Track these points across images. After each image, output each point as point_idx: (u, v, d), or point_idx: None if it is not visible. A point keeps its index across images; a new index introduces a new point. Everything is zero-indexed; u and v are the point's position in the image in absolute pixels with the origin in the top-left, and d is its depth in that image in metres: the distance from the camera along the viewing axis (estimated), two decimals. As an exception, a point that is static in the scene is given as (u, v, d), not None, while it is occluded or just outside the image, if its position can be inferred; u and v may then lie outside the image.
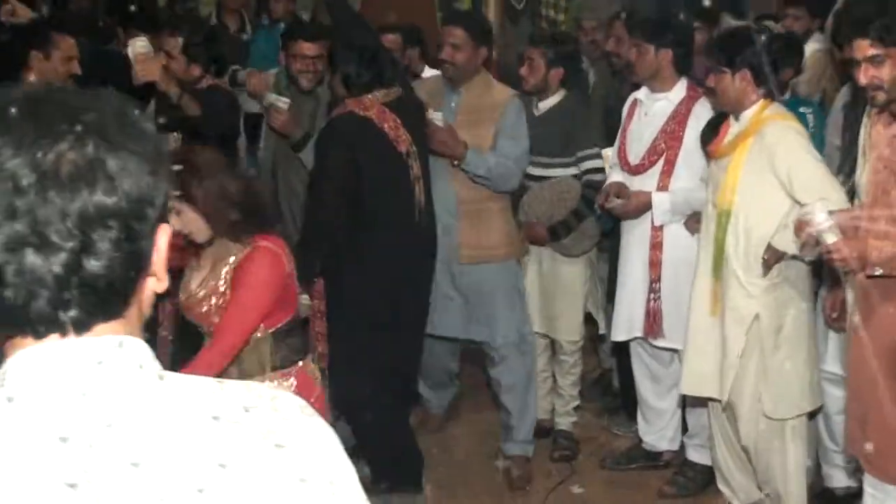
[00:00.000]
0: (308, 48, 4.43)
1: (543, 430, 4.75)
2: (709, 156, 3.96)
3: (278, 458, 1.01)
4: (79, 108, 0.99)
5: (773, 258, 3.68)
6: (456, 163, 4.28)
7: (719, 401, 3.94)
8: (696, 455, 4.50)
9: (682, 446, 4.57)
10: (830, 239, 3.08)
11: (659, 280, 4.31)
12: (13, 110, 0.97)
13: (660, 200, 4.24)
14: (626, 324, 4.42)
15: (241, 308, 2.74)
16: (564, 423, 4.77)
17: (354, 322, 3.85)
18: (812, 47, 4.89)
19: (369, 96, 3.88)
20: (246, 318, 2.74)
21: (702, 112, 4.22)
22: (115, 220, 0.97)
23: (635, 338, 4.46)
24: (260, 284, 2.74)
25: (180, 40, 4.28)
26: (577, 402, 4.86)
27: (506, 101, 4.40)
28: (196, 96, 4.30)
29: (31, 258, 0.95)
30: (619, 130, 4.44)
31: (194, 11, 7.01)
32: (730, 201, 3.77)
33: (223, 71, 4.85)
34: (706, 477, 4.42)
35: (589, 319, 4.88)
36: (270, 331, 2.85)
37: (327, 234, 3.83)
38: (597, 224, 4.54)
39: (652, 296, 4.31)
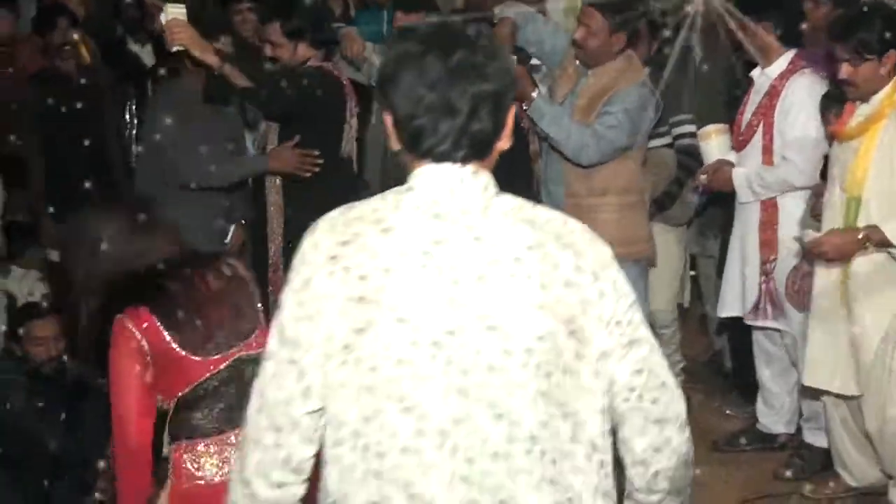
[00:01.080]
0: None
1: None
2: (833, 137, 3.90)
3: (564, 252, 1.66)
4: (469, 35, 1.66)
5: (872, 241, 3.63)
6: (525, 108, 4.24)
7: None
8: (812, 437, 4.48)
9: (799, 429, 4.55)
10: None
11: (773, 261, 4.30)
12: (430, 38, 1.66)
13: (737, 176, 4.28)
14: (733, 301, 4.46)
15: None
16: None
17: None
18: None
19: None
20: (115, 402, 2.49)
21: (797, 86, 4.22)
22: (492, 99, 1.63)
23: (740, 316, 4.47)
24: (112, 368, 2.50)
25: (278, 25, 4.29)
26: (682, 364, 4.94)
27: (624, 88, 4.19)
28: (295, 76, 4.33)
29: (446, 119, 1.62)
30: (740, 107, 4.45)
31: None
32: (860, 187, 3.73)
33: (332, 53, 4.89)
34: (823, 459, 4.39)
35: (698, 298, 4.91)
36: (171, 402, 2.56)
37: None
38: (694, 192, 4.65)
39: (764, 277, 4.30)
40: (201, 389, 2.46)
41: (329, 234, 1.65)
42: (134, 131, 5.71)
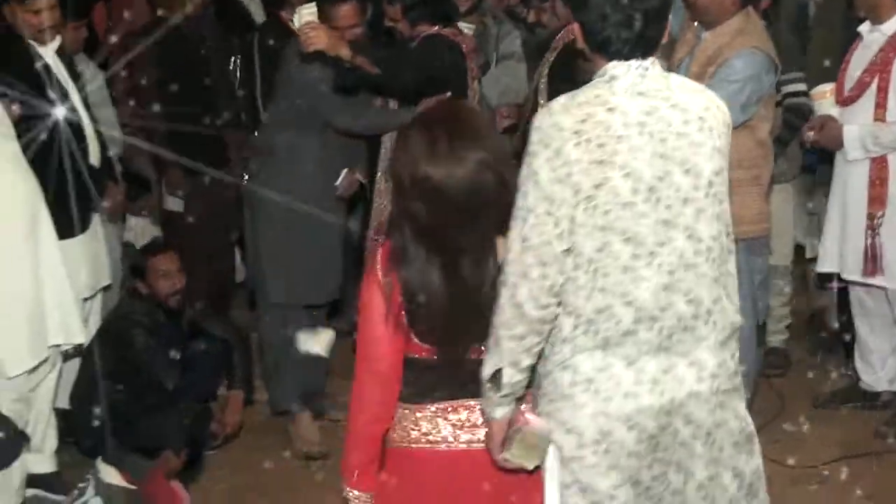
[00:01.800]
0: None
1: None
2: None
3: (720, 111, 2.31)
4: None
5: None
6: None
7: None
8: None
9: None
10: None
11: (880, 217, 4.28)
12: None
13: (849, 133, 4.26)
14: (834, 257, 4.46)
15: None
16: (776, 340, 5.08)
17: None
18: None
19: None
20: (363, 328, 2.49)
21: None
22: (657, 13, 2.22)
23: (840, 273, 4.49)
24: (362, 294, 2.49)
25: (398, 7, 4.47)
26: (788, 321, 5.12)
27: (735, 52, 4.07)
28: (414, 52, 4.45)
29: (626, 30, 2.19)
30: (842, 64, 4.42)
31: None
32: None
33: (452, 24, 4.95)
34: None
35: (798, 255, 4.96)
36: None
37: None
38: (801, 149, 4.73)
39: (870, 232, 4.30)
40: (422, 361, 2.37)
41: (567, 116, 2.19)
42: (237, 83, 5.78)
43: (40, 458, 4.19)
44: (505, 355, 2.23)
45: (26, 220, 3.94)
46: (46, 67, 4.22)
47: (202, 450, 4.44)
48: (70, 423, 4.35)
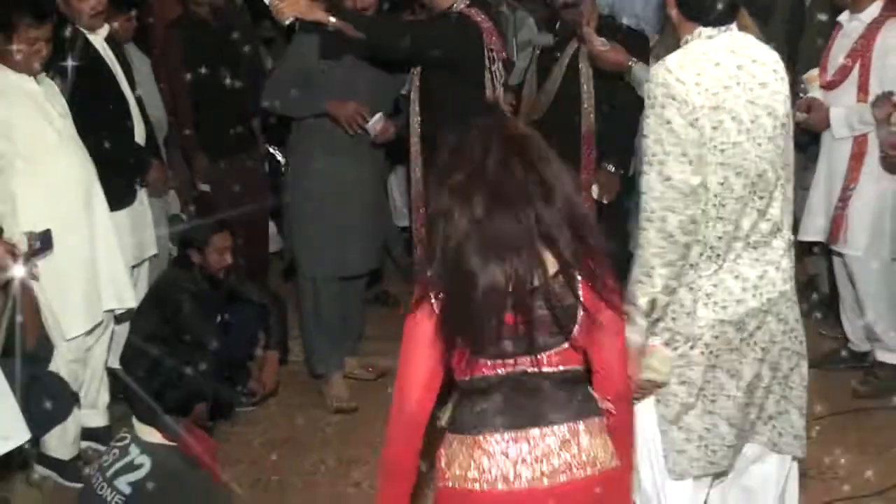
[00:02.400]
0: None
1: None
2: None
3: (780, 64, 2.72)
4: None
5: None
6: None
7: None
8: (883, 356, 4.64)
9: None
10: None
11: (852, 188, 4.43)
12: None
13: (836, 114, 4.39)
14: (818, 228, 4.60)
15: None
16: None
17: None
18: None
19: None
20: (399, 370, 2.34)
21: (891, 30, 4.32)
22: None
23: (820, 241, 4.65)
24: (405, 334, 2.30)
25: None
26: None
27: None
28: (430, 24, 4.38)
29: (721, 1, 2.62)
30: (824, 51, 4.56)
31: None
32: None
33: None
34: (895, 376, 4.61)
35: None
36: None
37: None
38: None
39: (840, 204, 4.44)
40: (476, 383, 2.20)
41: (684, 71, 2.58)
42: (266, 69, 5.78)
43: (94, 413, 4.36)
44: (658, 283, 2.58)
45: (82, 194, 4.05)
46: (96, 53, 4.32)
47: (234, 404, 4.60)
48: (121, 382, 4.51)
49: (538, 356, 2.14)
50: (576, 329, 2.15)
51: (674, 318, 2.73)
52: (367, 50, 4.30)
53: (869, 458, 4.14)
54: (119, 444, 3.47)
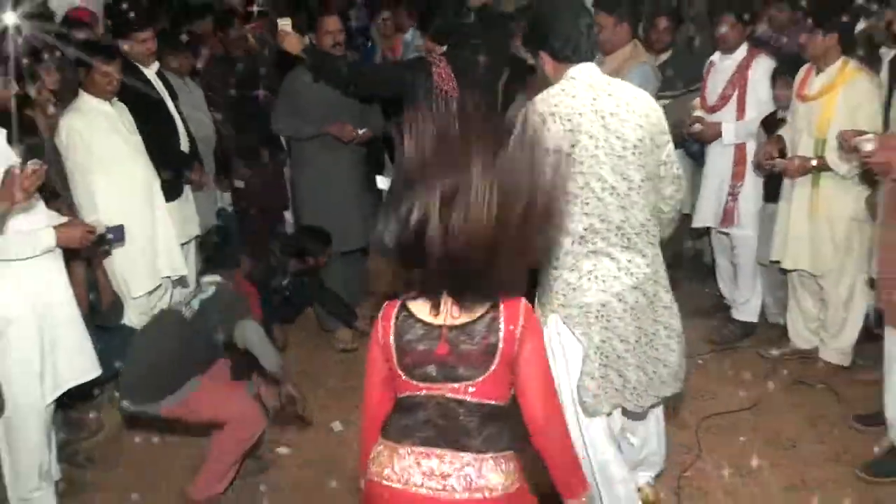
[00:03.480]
0: None
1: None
2: (798, 98, 4.26)
3: (641, 96, 2.83)
4: None
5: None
6: None
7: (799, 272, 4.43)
8: (737, 315, 5.03)
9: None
10: (868, 146, 3.37)
11: (740, 186, 4.76)
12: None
13: (727, 128, 4.73)
14: (706, 214, 4.99)
15: None
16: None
17: None
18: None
19: None
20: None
21: (758, 65, 4.69)
22: (592, 25, 2.87)
23: (711, 226, 4.99)
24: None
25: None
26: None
27: (631, 68, 4.27)
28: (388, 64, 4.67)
29: (583, 42, 2.84)
30: (701, 83, 4.93)
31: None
32: (825, 132, 4.11)
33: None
34: (745, 330, 4.99)
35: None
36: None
37: None
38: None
39: (730, 197, 4.79)
40: (405, 400, 2.18)
41: (544, 105, 2.75)
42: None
43: None
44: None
45: (145, 190, 4.33)
46: (149, 83, 4.57)
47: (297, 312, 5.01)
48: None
49: (458, 385, 2.10)
50: (494, 365, 2.09)
51: (564, 295, 2.85)
52: (347, 78, 4.49)
53: (738, 385, 4.49)
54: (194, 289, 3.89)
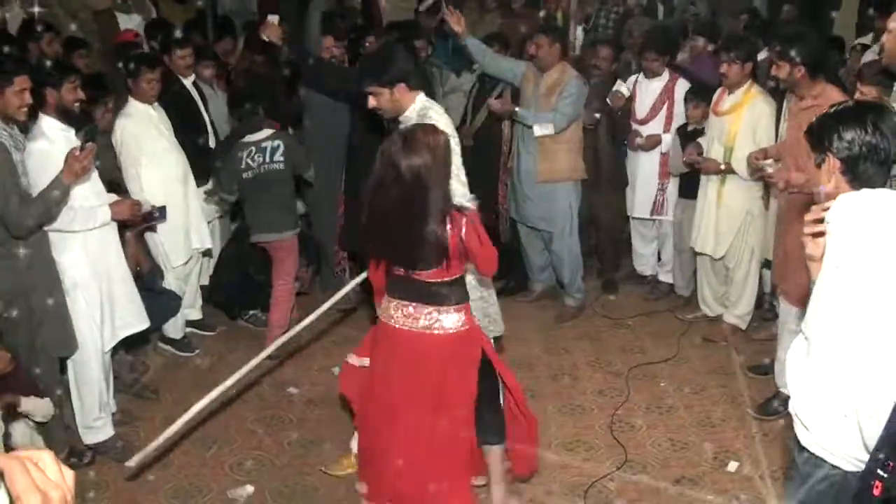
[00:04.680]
0: None
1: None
2: (714, 113, 4.38)
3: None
4: None
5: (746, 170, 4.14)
6: (514, 117, 4.59)
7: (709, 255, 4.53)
8: (663, 277, 5.26)
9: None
10: (769, 169, 3.61)
11: (666, 182, 4.96)
12: None
13: (665, 138, 4.95)
14: (637, 207, 5.17)
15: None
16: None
17: None
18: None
19: None
20: None
21: (679, 87, 4.92)
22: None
23: (641, 217, 5.19)
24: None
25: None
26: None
27: (568, 82, 4.52)
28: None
29: None
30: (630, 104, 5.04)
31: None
32: (733, 142, 4.23)
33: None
34: (669, 290, 5.19)
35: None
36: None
37: None
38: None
39: (660, 192, 5.03)
40: (391, 278, 2.85)
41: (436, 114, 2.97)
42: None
43: (192, 311, 4.70)
44: None
45: (181, 177, 4.35)
46: (186, 91, 4.65)
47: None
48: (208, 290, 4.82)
49: (419, 272, 2.75)
50: (444, 261, 2.71)
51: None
52: (338, 77, 4.40)
53: (659, 341, 4.62)
54: None
